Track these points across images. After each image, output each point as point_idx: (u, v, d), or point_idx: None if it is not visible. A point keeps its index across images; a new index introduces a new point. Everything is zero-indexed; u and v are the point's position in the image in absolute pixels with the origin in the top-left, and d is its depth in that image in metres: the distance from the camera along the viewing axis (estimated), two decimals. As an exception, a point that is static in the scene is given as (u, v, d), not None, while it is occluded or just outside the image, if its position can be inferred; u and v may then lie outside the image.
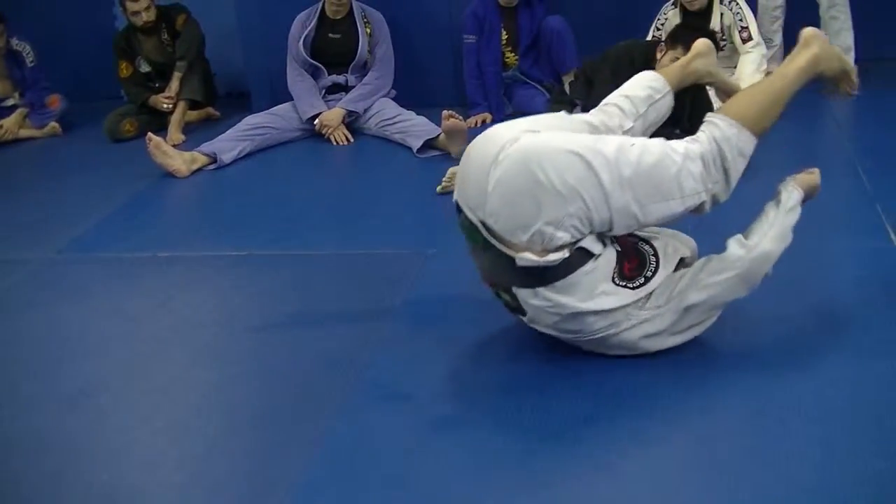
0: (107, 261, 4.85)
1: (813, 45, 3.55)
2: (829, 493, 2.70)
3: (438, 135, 6.04)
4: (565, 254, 3.12)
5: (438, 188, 5.29)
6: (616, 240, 3.27)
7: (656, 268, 3.32)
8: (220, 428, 3.35)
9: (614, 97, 3.60)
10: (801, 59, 3.51)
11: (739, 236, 3.36)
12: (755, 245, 3.31)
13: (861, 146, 5.77)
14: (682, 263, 3.42)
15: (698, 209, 3.31)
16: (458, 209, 3.31)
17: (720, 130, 3.28)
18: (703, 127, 3.34)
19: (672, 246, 3.41)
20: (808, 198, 3.53)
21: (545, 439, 3.08)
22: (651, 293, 3.30)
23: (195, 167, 6.14)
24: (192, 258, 4.80)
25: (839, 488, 2.71)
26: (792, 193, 3.44)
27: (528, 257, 3.11)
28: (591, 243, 3.17)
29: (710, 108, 5.23)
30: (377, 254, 4.63)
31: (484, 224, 3.16)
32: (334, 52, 6.71)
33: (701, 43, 3.96)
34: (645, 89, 3.62)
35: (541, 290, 3.19)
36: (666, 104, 3.66)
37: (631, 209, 3.13)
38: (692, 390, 3.24)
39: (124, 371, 3.73)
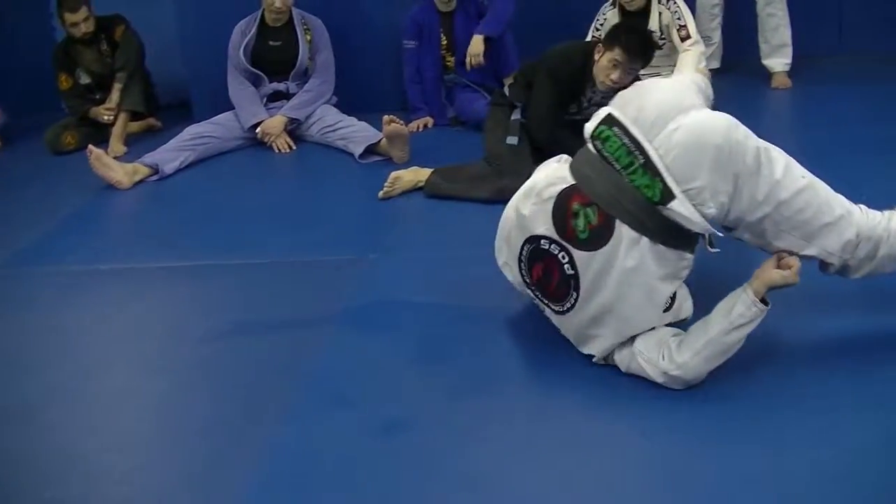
0: (50, 274, 4.81)
1: None
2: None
3: (380, 140, 6.05)
4: (707, 228, 3.16)
5: (381, 193, 5.31)
6: None
7: (666, 309, 3.30)
8: (165, 438, 3.35)
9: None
10: None
11: (674, 346, 3.21)
12: (683, 364, 3.17)
13: (798, 141, 5.82)
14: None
15: (823, 266, 3.35)
16: (612, 122, 3.27)
17: None
18: (894, 210, 3.37)
19: (687, 304, 3.40)
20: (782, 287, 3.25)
21: (488, 440, 3.11)
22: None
23: (137, 178, 6.10)
24: (136, 270, 4.78)
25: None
26: (750, 308, 3.15)
27: (686, 203, 3.10)
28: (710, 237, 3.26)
29: None
30: (320, 260, 4.63)
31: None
32: (275, 60, 6.70)
33: None
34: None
35: (646, 241, 3.14)
36: None
37: (764, 226, 3.22)
38: (649, 389, 3.25)
39: (68, 385, 3.70)
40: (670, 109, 3.17)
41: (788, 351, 3.47)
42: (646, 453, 2.99)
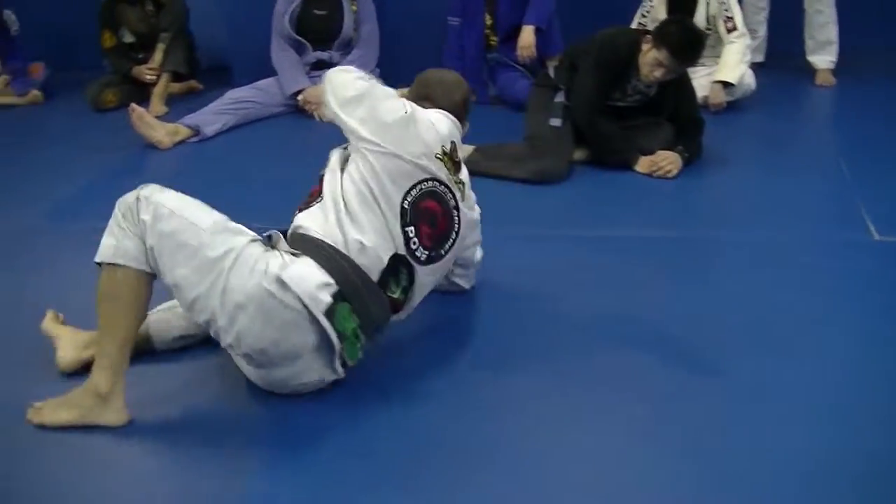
0: (87, 230, 4.75)
1: None
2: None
3: (421, 114, 6.02)
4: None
5: None
6: None
7: None
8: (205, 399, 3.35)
9: None
10: None
11: None
12: None
13: (843, 137, 5.83)
14: None
15: None
16: None
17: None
18: None
19: None
20: None
21: (502, 417, 3.10)
22: None
23: (177, 139, 6.13)
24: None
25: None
26: None
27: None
28: None
29: (694, 96, 5.29)
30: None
31: None
32: (319, 29, 6.70)
33: None
34: None
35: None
36: None
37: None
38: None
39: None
40: None
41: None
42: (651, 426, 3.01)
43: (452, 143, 3.45)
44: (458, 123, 3.52)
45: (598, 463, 2.90)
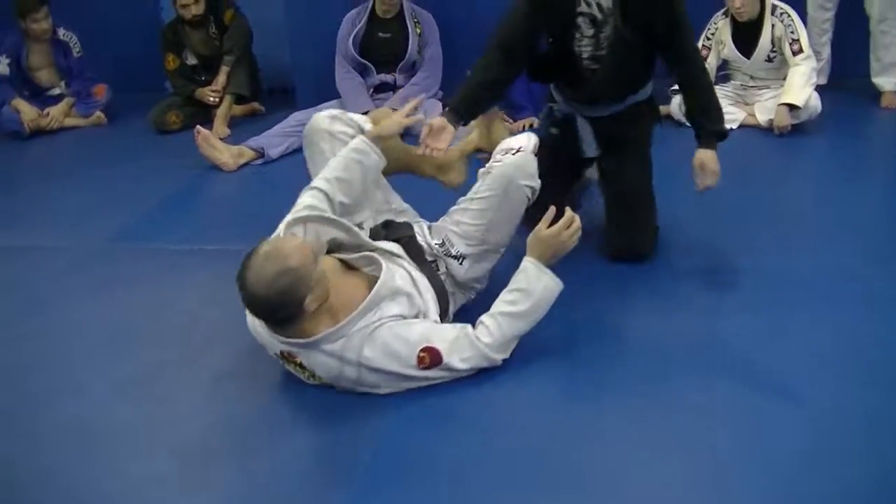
0: (155, 251, 4.85)
1: None
2: None
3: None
4: None
5: None
6: None
7: None
8: (278, 421, 3.37)
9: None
10: None
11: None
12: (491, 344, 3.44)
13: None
14: None
15: None
16: None
17: None
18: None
19: None
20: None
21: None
22: None
23: (242, 161, 6.17)
24: (241, 252, 4.78)
25: None
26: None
27: None
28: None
29: (686, 29, 4.15)
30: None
31: None
32: (384, 52, 6.71)
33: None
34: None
35: None
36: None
37: None
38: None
39: (176, 362, 3.75)
40: None
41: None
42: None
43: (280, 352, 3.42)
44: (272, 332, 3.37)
45: (679, 490, 2.87)
